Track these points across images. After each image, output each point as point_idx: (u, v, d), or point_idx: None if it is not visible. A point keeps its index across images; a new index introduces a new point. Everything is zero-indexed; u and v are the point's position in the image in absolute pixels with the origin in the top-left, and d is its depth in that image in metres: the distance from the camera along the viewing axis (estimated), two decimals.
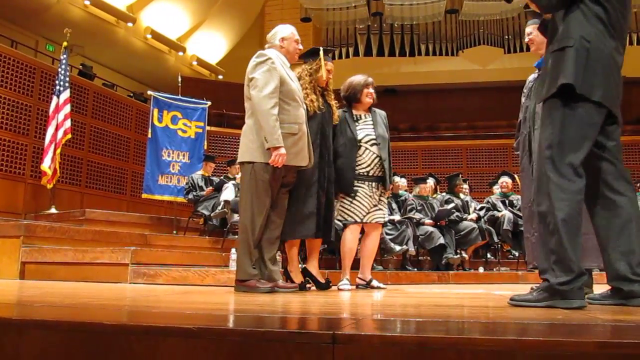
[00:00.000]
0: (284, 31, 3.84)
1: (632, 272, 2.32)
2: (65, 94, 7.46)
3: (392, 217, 6.90)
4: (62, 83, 7.46)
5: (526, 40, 3.73)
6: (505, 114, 12.92)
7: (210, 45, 15.63)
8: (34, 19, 11.44)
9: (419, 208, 7.45)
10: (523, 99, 3.85)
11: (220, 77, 16.16)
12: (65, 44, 7.70)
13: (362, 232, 4.46)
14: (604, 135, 2.37)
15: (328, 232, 3.99)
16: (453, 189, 8.05)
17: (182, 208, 8.59)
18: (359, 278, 4.43)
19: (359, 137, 4.27)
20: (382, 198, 4.37)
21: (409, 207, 7.34)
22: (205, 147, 8.65)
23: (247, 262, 3.43)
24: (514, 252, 7.89)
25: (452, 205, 7.58)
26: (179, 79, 8.87)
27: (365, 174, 4.26)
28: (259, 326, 1.42)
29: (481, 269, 7.49)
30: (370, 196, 4.26)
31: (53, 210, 7.30)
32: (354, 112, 4.41)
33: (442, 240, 7.01)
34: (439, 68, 15.35)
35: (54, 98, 7.41)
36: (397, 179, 7.50)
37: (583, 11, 2.31)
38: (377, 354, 1.22)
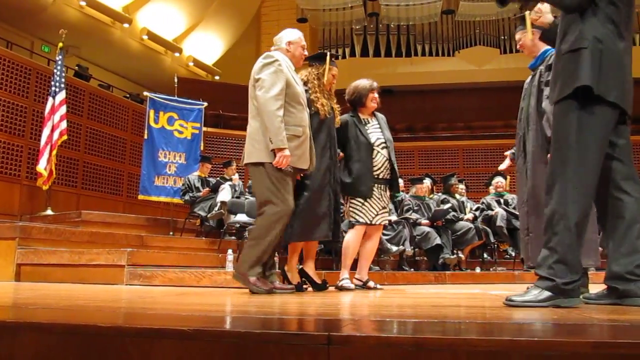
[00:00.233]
0: (292, 35, 3.83)
1: (630, 272, 2.33)
2: (61, 95, 7.44)
3: (388, 218, 6.90)
4: (57, 84, 7.45)
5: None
6: (502, 114, 12.96)
7: (207, 46, 15.61)
8: (30, 20, 11.40)
9: (415, 208, 7.46)
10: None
11: (217, 77, 16.13)
12: (60, 44, 7.68)
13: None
14: (616, 134, 2.38)
15: (337, 234, 4.06)
16: (448, 189, 8.07)
17: (178, 209, 8.58)
18: (356, 278, 4.44)
19: (372, 141, 4.32)
20: (388, 200, 4.47)
21: (405, 208, 7.34)
22: (202, 148, 8.65)
23: (256, 260, 3.38)
24: (510, 251, 7.90)
25: (448, 205, 7.60)
26: (175, 80, 8.86)
27: (376, 177, 4.31)
28: (254, 328, 1.42)
29: (478, 269, 7.50)
30: (379, 198, 4.33)
31: (49, 212, 7.28)
32: (360, 116, 4.45)
33: (438, 241, 7.02)
34: (435, 68, 15.36)
35: (50, 99, 7.40)
36: None
37: (595, 12, 2.31)
38: (372, 355, 1.22)
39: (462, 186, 8.36)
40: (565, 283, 2.18)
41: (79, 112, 8.84)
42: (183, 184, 7.96)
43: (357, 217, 4.26)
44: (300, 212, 3.76)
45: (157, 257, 5.12)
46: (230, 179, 8.08)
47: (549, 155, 3.51)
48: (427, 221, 7.26)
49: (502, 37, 15.41)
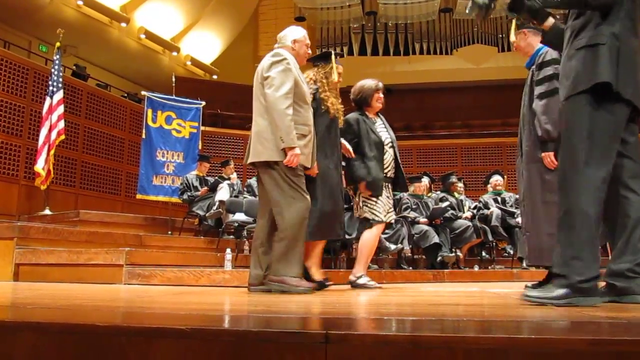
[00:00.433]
0: (296, 33, 3.79)
1: (630, 270, 2.33)
2: (59, 95, 7.43)
3: (393, 216, 6.91)
4: (55, 84, 7.44)
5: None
6: (500, 113, 12.98)
7: (205, 45, 15.60)
8: (27, 19, 11.38)
9: (413, 207, 7.46)
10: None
11: (215, 77, 16.13)
12: (58, 44, 7.68)
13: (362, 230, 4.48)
14: (627, 132, 2.36)
15: (344, 232, 4.13)
16: (448, 188, 8.07)
17: (176, 208, 8.58)
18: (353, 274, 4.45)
19: (383, 140, 4.39)
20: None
21: (403, 206, 7.34)
22: (200, 147, 8.64)
23: (299, 259, 3.38)
24: (508, 249, 7.91)
25: (446, 203, 7.60)
26: (173, 79, 8.85)
27: (385, 175, 4.37)
28: (251, 326, 1.42)
29: (476, 267, 7.51)
30: (387, 196, 4.40)
31: (47, 212, 7.27)
32: (367, 115, 4.49)
33: (437, 239, 7.02)
34: (433, 67, 15.38)
35: (47, 99, 7.39)
36: None
37: (618, 8, 2.27)
38: (370, 353, 1.22)
39: (460, 184, 8.37)
40: (582, 281, 2.13)
41: (77, 111, 8.83)
42: (181, 183, 7.95)
43: (375, 215, 4.29)
44: (318, 211, 3.78)
45: (155, 257, 5.11)
46: (229, 178, 8.09)
47: (541, 155, 3.55)
48: (425, 220, 7.27)
49: (500, 36, 15.43)
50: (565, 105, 2.35)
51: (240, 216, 6.89)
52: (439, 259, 7.05)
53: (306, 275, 3.95)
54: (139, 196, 8.11)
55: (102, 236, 5.81)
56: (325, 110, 3.96)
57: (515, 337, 1.21)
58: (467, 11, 2.57)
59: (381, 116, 4.62)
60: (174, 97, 8.53)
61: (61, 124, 7.37)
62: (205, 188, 7.78)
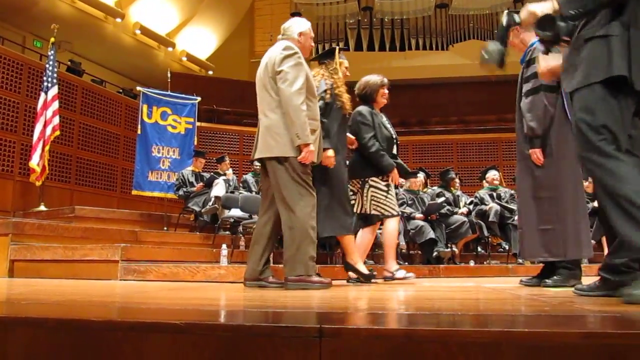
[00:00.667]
0: (302, 26, 3.71)
1: (625, 265, 2.33)
2: (54, 90, 7.40)
3: None
4: (49, 79, 7.41)
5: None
6: (496, 108, 12.99)
7: (200, 40, 15.55)
8: (21, 15, 11.33)
9: (409, 202, 7.47)
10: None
11: (210, 72, 16.09)
12: (52, 39, 7.64)
13: (363, 226, 4.52)
14: (632, 125, 2.34)
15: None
16: (448, 184, 8.09)
17: (172, 204, 8.57)
18: (387, 271, 4.51)
19: (394, 135, 4.49)
20: None
21: (399, 202, 7.35)
22: (195, 143, 8.63)
23: (308, 258, 3.30)
24: (504, 245, 7.94)
25: (442, 199, 7.62)
26: (169, 75, 8.83)
27: None
28: (245, 321, 1.42)
29: (472, 263, 7.53)
30: (393, 190, 4.47)
31: (42, 208, 7.26)
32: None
33: (432, 235, 7.04)
34: (429, 63, 15.37)
35: (42, 94, 7.36)
36: None
37: None
38: (364, 347, 1.23)
39: (456, 180, 8.39)
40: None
41: (72, 107, 8.81)
42: (177, 179, 7.95)
43: (384, 210, 4.33)
44: (334, 207, 3.81)
45: (151, 253, 5.10)
46: (224, 174, 8.08)
47: (529, 152, 3.56)
48: (421, 215, 7.28)
49: (496, 31, 15.40)
50: (574, 97, 2.29)
51: (236, 212, 6.89)
52: (434, 254, 7.07)
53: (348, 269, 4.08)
54: (134, 192, 8.10)
55: (97, 232, 5.79)
56: (340, 107, 3.95)
57: (508, 331, 1.22)
58: (480, 61, 2.49)
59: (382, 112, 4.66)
60: (169, 92, 8.52)
61: (56, 120, 7.35)
62: (201, 184, 7.78)
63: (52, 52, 7.56)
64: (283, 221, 3.38)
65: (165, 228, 7.67)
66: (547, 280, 3.47)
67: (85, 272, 4.53)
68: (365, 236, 4.41)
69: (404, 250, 7.29)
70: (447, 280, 5.45)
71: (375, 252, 6.82)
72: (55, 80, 7.48)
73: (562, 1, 2.31)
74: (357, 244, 4.44)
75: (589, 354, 1.15)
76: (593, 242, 7.27)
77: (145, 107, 8.11)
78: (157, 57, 14.46)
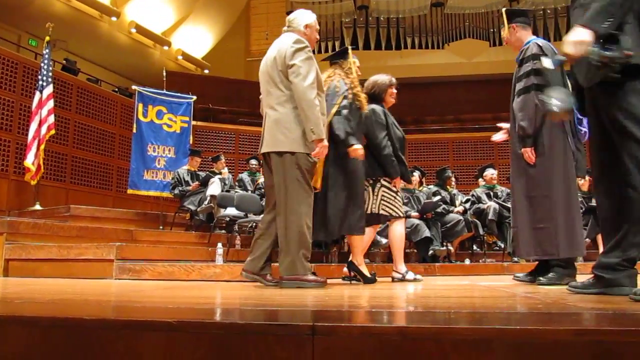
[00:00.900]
0: (308, 18, 3.66)
1: (619, 264, 2.33)
2: (49, 89, 7.38)
3: None
4: (45, 78, 7.39)
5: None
6: (491, 107, 13.01)
7: (196, 39, 15.53)
8: (16, 13, 11.29)
9: (405, 201, 7.47)
10: None
11: (206, 71, 16.07)
12: (47, 38, 7.61)
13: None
14: None
15: None
16: (444, 182, 8.09)
17: (168, 203, 8.56)
18: (394, 271, 4.48)
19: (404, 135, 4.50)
20: None
21: None
22: (191, 142, 8.62)
23: (302, 257, 3.27)
24: (499, 243, 7.95)
25: (438, 198, 7.62)
26: (164, 74, 8.81)
27: None
28: (239, 319, 1.42)
29: (467, 261, 7.54)
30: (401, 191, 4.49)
31: (37, 207, 7.24)
32: None
33: (428, 233, 7.04)
34: (425, 61, 15.39)
35: (37, 93, 7.34)
36: None
37: None
38: (357, 345, 1.23)
39: (452, 178, 8.40)
40: None
41: (67, 106, 8.78)
42: (172, 178, 7.93)
43: (391, 211, 4.32)
44: (351, 206, 3.81)
45: (146, 252, 5.09)
46: (220, 173, 8.07)
47: (521, 151, 3.56)
48: (416, 214, 7.28)
49: (492, 30, 15.46)
50: (595, 89, 2.25)
51: (231, 211, 6.89)
52: (430, 252, 7.08)
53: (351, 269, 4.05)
54: (130, 191, 8.09)
55: (92, 231, 5.78)
56: (358, 106, 3.96)
57: (500, 328, 1.22)
58: (552, 115, 2.28)
59: None
60: (164, 91, 8.49)
61: (51, 119, 7.33)
62: (197, 183, 7.77)
63: (47, 50, 7.53)
64: (279, 219, 3.36)
65: (160, 227, 7.65)
66: (541, 279, 3.48)
67: (80, 271, 4.52)
68: (398, 235, 4.41)
69: None
70: (442, 279, 5.46)
71: (371, 251, 6.82)
72: (50, 79, 7.45)
73: (588, 20, 2.17)
74: (393, 246, 4.48)
75: (580, 351, 1.16)
76: (588, 240, 7.34)
77: (140, 106, 8.09)
78: (153, 56, 14.43)
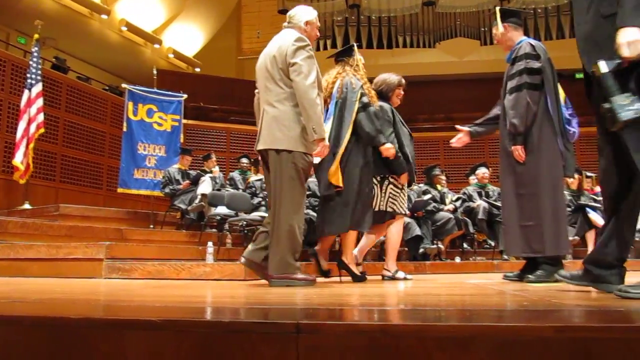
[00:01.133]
0: (309, 14, 3.62)
1: (609, 262, 2.34)
2: (38, 87, 7.33)
3: None
4: (34, 76, 7.33)
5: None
6: (483, 106, 12.94)
7: (187, 37, 15.48)
8: (5, 11, 11.21)
9: None
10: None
11: (198, 69, 16.02)
12: (36, 36, 7.55)
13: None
14: None
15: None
16: (431, 180, 8.12)
17: (159, 202, 8.53)
18: (385, 269, 4.50)
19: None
20: None
21: None
22: (182, 141, 8.59)
23: (290, 255, 3.26)
24: (490, 241, 7.99)
25: (429, 196, 7.64)
26: (154, 72, 8.77)
27: None
28: (223, 317, 1.42)
29: (457, 259, 7.57)
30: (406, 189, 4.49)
31: (27, 206, 7.18)
32: None
33: (418, 231, 7.06)
34: (416, 60, 15.42)
35: (26, 91, 7.28)
36: None
37: None
38: (341, 342, 1.23)
39: (443, 177, 8.42)
40: None
41: (57, 104, 8.73)
42: (163, 177, 7.91)
43: (401, 208, 4.33)
44: (357, 202, 3.83)
45: (136, 250, 5.07)
46: (211, 172, 8.06)
47: (511, 148, 3.58)
48: (407, 212, 7.30)
49: (483, 29, 15.51)
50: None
51: (222, 209, 6.88)
52: (420, 250, 7.09)
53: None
54: (120, 190, 8.06)
55: (82, 230, 5.76)
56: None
57: (482, 325, 1.23)
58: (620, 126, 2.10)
59: None
60: (155, 90, 8.46)
61: (40, 117, 7.27)
62: (187, 181, 7.75)
63: (36, 48, 7.48)
64: (271, 215, 3.36)
65: (151, 226, 7.63)
66: (529, 276, 3.50)
67: (70, 271, 4.50)
68: (396, 233, 4.42)
69: None
70: (432, 277, 5.48)
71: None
72: (39, 77, 7.40)
73: (632, 18, 2.03)
74: (389, 243, 4.48)
75: (561, 347, 1.17)
76: (577, 238, 7.40)
77: (130, 105, 8.06)
78: (144, 54, 14.37)
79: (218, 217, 7.02)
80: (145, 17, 13.94)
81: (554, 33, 15.36)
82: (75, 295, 2.37)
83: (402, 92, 4.58)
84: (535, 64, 3.59)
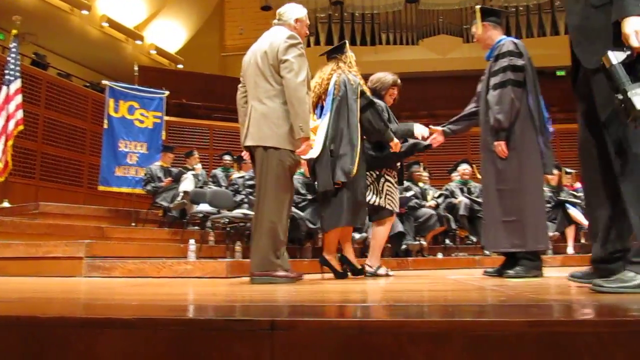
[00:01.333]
0: (299, 12, 3.63)
1: (608, 258, 2.32)
2: (16, 84, 7.23)
3: None
4: (12, 72, 7.23)
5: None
6: (465, 103, 12.97)
7: (169, 33, 15.36)
8: None
9: None
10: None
11: (180, 66, 15.90)
12: (15, 31, 7.44)
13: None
14: None
15: None
16: (410, 177, 8.15)
17: (140, 200, 8.47)
18: (368, 265, 4.47)
19: None
20: None
21: None
22: (164, 138, 8.54)
23: (271, 253, 3.26)
24: (472, 237, 8.05)
25: (411, 193, 7.68)
26: (136, 68, 8.70)
27: None
28: (199, 315, 1.41)
29: (440, 255, 7.62)
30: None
31: (5, 205, 7.08)
32: None
33: (401, 228, 7.09)
34: (399, 57, 15.47)
35: (4, 88, 7.18)
36: None
37: None
38: (316, 339, 1.23)
39: (425, 174, 8.46)
40: None
41: (36, 101, 8.62)
42: (145, 174, 7.85)
43: (396, 205, 4.32)
44: (351, 197, 3.83)
45: (117, 249, 5.03)
46: (193, 169, 8.01)
47: (494, 144, 3.61)
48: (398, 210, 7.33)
49: (465, 26, 15.60)
50: (599, 74, 2.12)
51: (204, 207, 6.84)
52: (403, 247, 7.13)
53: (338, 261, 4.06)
54: (100, 188, 7.99)
55: (62, 228, 5.69)
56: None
57: (455, 320, 1.24)
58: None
59: None
60: (136, 86, 8.39)
61: (19, 114, 7.18)
62: (169, 179, 7.70)
63: (15, 44, 7.37)
64: (255, 213, 3.37)
65: (133, 224, 7.57)
66: (509, 271, 3.53)
67: (49, 270, 4.44)
68: (384, 231, 4.40)
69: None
70: (414, 273, 5.51)
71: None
72: (18, 74, 7.29)
73: (634, 8, 2.00)
74: (375, 239, 4.45)
75: (533, 341, 1.18)
76: (557, 233, 7.48)
77: (111, 101, 7.99)
78: (125, 51, 14.23)
79: (200, 215, 6.99)
80: (127, 13, 13.80)
81: (535, 31, 15.51)
82: (53, 295, 2.34)
83: (396, 93, 4.59)
84: (519, 62, 3.62)
